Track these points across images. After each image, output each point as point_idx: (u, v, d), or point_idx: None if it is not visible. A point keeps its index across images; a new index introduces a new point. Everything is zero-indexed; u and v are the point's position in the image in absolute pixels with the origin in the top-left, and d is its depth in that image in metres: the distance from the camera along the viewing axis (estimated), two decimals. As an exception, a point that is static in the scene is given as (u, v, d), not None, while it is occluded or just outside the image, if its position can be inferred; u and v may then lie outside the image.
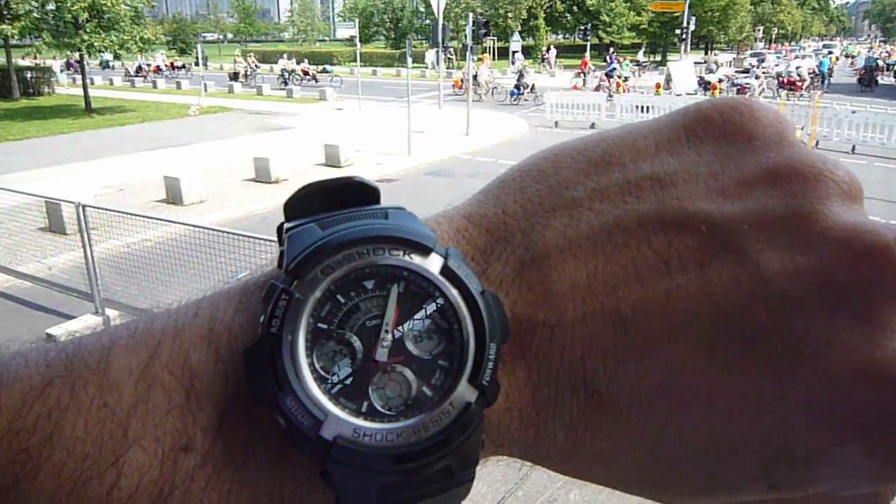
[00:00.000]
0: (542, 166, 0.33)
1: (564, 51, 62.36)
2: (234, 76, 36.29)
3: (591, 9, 57.01)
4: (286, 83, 34.59)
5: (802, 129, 16.23)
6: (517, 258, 0.30)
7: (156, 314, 0.30)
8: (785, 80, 27.95)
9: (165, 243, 7.04)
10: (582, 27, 47.84)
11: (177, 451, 0.26)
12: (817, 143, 16.59)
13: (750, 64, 37.93)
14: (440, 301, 0.29)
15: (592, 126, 20.83)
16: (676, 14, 48.19)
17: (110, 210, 7.78)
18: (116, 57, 27.80)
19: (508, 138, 18.40)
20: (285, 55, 42.51)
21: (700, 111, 0.32)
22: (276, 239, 0.32)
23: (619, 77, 30.22)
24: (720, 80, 29.61)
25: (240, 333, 0.28)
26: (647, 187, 0.30)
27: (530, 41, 61.07)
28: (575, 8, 62.70)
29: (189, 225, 6.95)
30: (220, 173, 13.87)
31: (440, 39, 21.69)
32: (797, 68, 29.98)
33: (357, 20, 43.30)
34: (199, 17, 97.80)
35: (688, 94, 28.34)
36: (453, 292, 0.29)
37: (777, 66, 35.00)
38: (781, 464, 0.28)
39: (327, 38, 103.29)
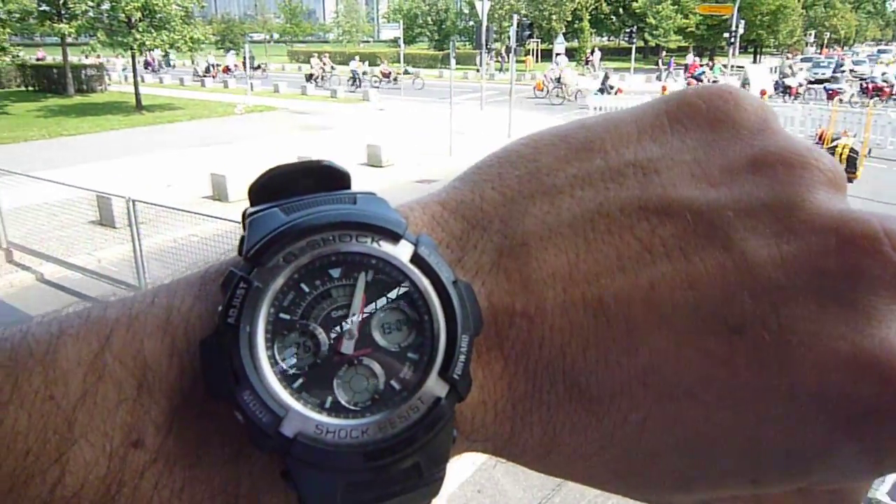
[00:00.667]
0: (521, 152, 0.32)
1: (609, 53, 61.70)
2: (309, 78, 35.69)
3: (637, 11, 56.34)
4: (357, 84, 33.76)
5: (854, 136, 15.79)
6: (495, 246, 0.29)
7: (110, 302, 0.28)
8: (870, 86, 27.22)
9: (211, 239, 7.18)
10: (627, 30, 47.23)
11: (126, 446, 0.25)
12: (870, 152, 16.13)
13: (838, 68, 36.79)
14: (410, 290, 0.27)
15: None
16: (725, 17, 47.31)
17: (159, 205, 7.97)
18: (166, 55, 28.40)
19: (550, 141, 18.25)
20: (357, 57, 40.11)
21: (684, 98, 0.32)
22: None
23: (709, 81, 29.64)
24: (800, 85, 29.05)
25: (197, 324, 0.27)
26: (630, 174, 0.29)
27: (574, 43, 60.62)
28: (621, 10, 62.04)
29: (235, 221, 7.07)
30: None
31: (484, 41, 21.69)
32: (882, 74, 29.29)
33: (401, 21, 43.63)
34: (246, 18, 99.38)
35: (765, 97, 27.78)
36: (424, 281, 0.27)
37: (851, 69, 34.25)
38: (765, 458, 0.27)
39: (371, 40, 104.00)
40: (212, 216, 7.29)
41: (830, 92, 26.65)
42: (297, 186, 0.30)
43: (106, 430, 0.25)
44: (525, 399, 0.28)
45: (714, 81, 28.93)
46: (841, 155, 14.61)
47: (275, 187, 0.30)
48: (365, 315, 0.27)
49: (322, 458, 0.25)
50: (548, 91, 29.06)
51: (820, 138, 17.05)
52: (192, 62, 39.62)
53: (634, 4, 56.43)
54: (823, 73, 33.18)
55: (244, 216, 0.29)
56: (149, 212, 8.01)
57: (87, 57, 30.10)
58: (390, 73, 36.27)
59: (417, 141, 17.62)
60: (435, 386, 0.26)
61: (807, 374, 0.25)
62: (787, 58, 45.53)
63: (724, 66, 33.81)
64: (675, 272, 0.27)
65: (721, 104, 0.31)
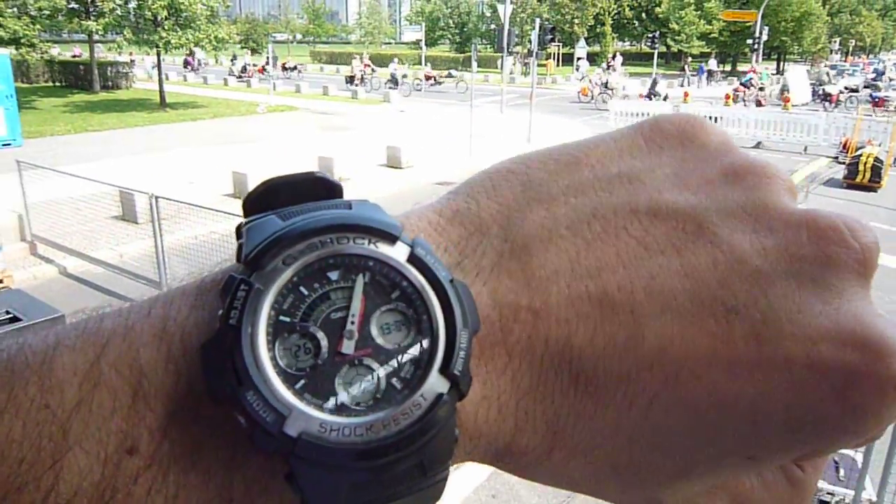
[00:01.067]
0: (511, 168, 0.34)
1: (630, 58, 61.50)
2: (351, 80, 34.96)
3: (660, 16, 56.06)
4: (395, 87, 32.76)
5: (880, 145, 15.59)
6: (494, 249, 0.30)
7: (107, 313, 0.29)
8: None
9: (231, 236, 7.07)
10: (650, 35, 47.00)
11: (121, 452, 0.25)
12: (895, 161, 15.91)
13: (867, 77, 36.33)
14: (407, 290, 0.28)
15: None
16: (748, 23, 46.99)
17: (181, 202, 8.06)
18: (190, 54, 28.69)
19: (570, 145, 18.21)
20: (396, 59, 39.10)
21: (656, 123, 0.35)
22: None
23: (756, 86, 29.40)
24: (840, 92, 28.90)
25: (194, 331, 0.27)
26: (618, 183, 0.32)
27: (596, 48, 60.42)
28: (643, 15, 61.76)
29: (255, 219, 7.13)
30: (286, 171, 14.11)
31: (505, 44, 21.69)
32: None
33: (423, 24, 43.69)
34: (270, 18, 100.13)
35: (803, 104, 27.37)
36: (421, 280, 0.28)
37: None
38: (764, 431, 0.29)
39: (393, 41, 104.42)
40: (233, 214, 7.36)
41: (877, 100, 26.26)
42: (292, 197, 0.30)
43: (101, 437, 0.25)
44: (529, 393, 0.29)
45: (761, 88, 28.70)
46: (865, 164, 14.43)
47: (270, 198, 0.30)
48: (364, 316, 0.27)
49: (326, 456, 0.25)
50: (593, 96, 28.82)
51: (844, 147, 16.84)
52: (216, 61, 39.45)
53: (657, 9, 56.18)
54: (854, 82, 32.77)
55: (240, 227, 0.30)
56: (170, 208, 8.10)
57: (119, 55, 30.43)
58: (433, 76, 35.89)
59: (437, 143, 17.69)
60: (436, 383, 0.27)
61: (797, 346, 0.28)
62: (824, 65, 45.10)
63: (772, 72, 33.38)
64: (672, 264, 0.29)
65: (689, 128, 0.35)
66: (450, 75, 37.01)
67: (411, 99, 30.27)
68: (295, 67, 43.52)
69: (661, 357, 0.28)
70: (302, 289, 0.27)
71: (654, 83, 28.05)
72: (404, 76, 34.43)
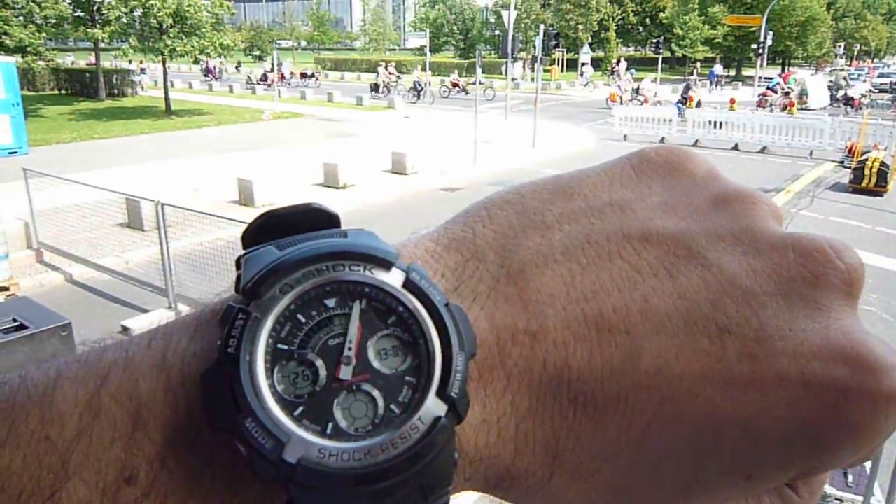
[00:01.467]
0: (505, 198, 0.35)
1: (635, 63, 61.46)
2: (375, 88, 34.57)
3: (664, 22, 56.07)
4: (418, 96, 32.53)
5: (885, 149, 15.54)
6: (491, 275, 0.31)
7: (107, 345, 0.30)
8: None
9: (237, 243, 7.08)
10: (654, 40, 47.00)
11: (119, 483, 0.26)
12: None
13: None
14: (404, 315, 0.28)
15: (662, 140, 20.48)
16: (753, 28, 46.96)
17: (187, 209, 8.07)
18: (196, 62, 28.80)
19: (575, 151, 18.26)
20: (419, 66, 38.65)
21: (644, 155, 0.37)
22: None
23: (783, 90, 29.28)
24: (862, 96, 28.97)
25: (193, 361, 0.28)
26: (609, 211, 0.33)
27: (600, 53, 60.46)
28: (647, 20, 61.80)
29: (260, 226, 7.14)
30: (291, 177, 14.23)
31: (510, 51, 21.73)
32: None
33: (427, 30, 43.73)
34: (275, 25, 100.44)
35: (821, 108, 27.33)
36: (417, 305, 0.28)
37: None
38: (761, 449, 0.29)
39: (397, 48, 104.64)
40: (238, 220, 7.37)
41: None
42: (290, 228, 0.31)
43: (100, 467, 0.26)
44: (528, 416, 0.29)
45: (787, 92, 28.64)
46: (871, 168, 14.37)
47: (267, 230, 0.31)
48: (361, 342, 0.28)
49: (326, 481, 0.25)
50: (621, 102, 28.42)
51: (850, 151, 16.77)
52: (237, 69, 38.34)
53: (662, 15, 56.21)
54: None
55: (239, 259, 0.30)
56: (176, 215, 8.12)
57: (130, 62, 30.48)
58: (460, 83, 35.36)
59: (442, 149, 17.69)
60: (434, 406, 0.27)
61: (790, 363, 0.29)
62: (842, 69, 45.01)
63: (796, 79, 33.39)
64: (665, 287, 0.30)
65: (675, 159, 0.36)
66: (479, 82, 36.30)
67: (417, 106, 30.28)
68: (312, 75, 43.12)
69: (657, 377, 0.29)
70: (299, 316, 0.28)
71: (687, 88, 27.64)
72: (428, 84, 33.89)
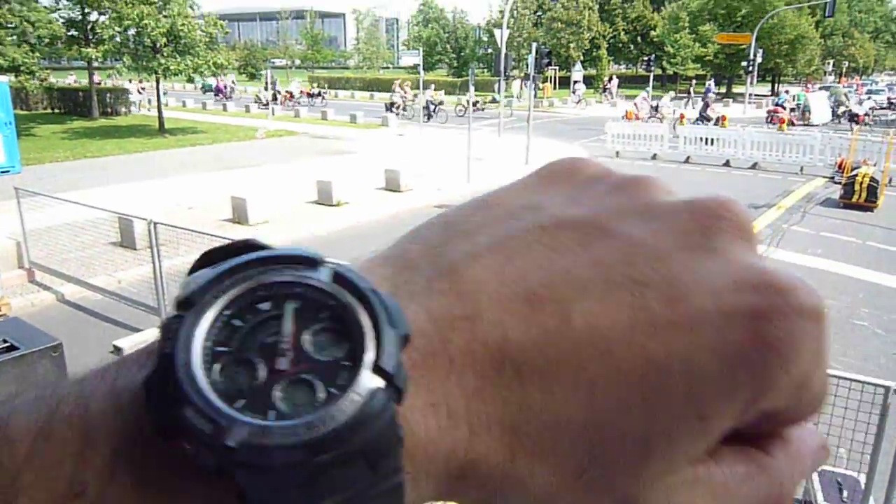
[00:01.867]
0: (431, 221, 0.39)
1: (626, 81, 61.97)
2: (390, 107, 33.96)
3: (655, 40, 56.60)
4: (430, 116, 31.80)
5: (875, 165, 15.66)
6: (424, 277, 0.33)
7: (62, 382, 0.31)
8: None
9: (230, 261, 7.22)
10: (645, 58, 47.40)
11: (70, 497, 0.26)
12: (891, 181, 15.98)
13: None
14: (335, 306, 0.30)
15: (654, 157, 20.59)
16: (743, 46, 47.42)
17: (180, 228, 8.06)
18: (190, 80, 28.89)
19: (568, 168, 18.27)
20: (433, 86, 37.52)
21: (551, 166, 0.42)
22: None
23: (788, 107, 29.61)
24: (866, 114, 29.47)
25: (142, 384, 0.28)
26: (524, 212, 0.37)
27: (592, 71, 60.94)
28: (639, 39, 62.39)
29: (253, 244, 7.13)
30: (284, 195, 14.28)
31: (502, 69, 21.88)
32: None
33: (421, 49, 43.97)
34: (268, 44, 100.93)
35: (823, 124, 27.71)
36: (346, 295, 0.29)
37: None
38: (706, 386, 0.31)
39: (391, 66, 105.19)
40: (231, 239, 7.36)
41: None
42: (227, 257, 0.32)
43: (48, 484, 0.26)
44: (477, 394, 0.30)
45: (793, 109, 28.85)
46: (861, 184, 14.46)
47: (207, 263, 0.32)
48: (297, 336, 0.29)
49: (268, 457, 0.26)
50: (638, 118, 28.57)
51: (840, 167, 16.87)
52: (245, 89, 37.20)
53: (652, 33, 56.79)
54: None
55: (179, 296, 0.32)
56: (169, 234, 8.10)
57: (129, 82, 30.48)
58: (477, 101, 34.24)
59: (436, 166, 17.78)
60: (369, 380, 0.28)
61: (706, 299, 0.32)
62: (844, 86, 45.48)
63: (792, 94, 33.84)
64: (582, 258, 0.34)
65: (576, 164, 0.42)
66: (493, 100, 35.71)
67: (412, 123, 30.36)
68: (319, 94, 43.09)
69: (591, 334, 0.31)
70: (235, 322, 0.29)
71: (706, 106, 27.81)
72: (441, 103, 33.31)
